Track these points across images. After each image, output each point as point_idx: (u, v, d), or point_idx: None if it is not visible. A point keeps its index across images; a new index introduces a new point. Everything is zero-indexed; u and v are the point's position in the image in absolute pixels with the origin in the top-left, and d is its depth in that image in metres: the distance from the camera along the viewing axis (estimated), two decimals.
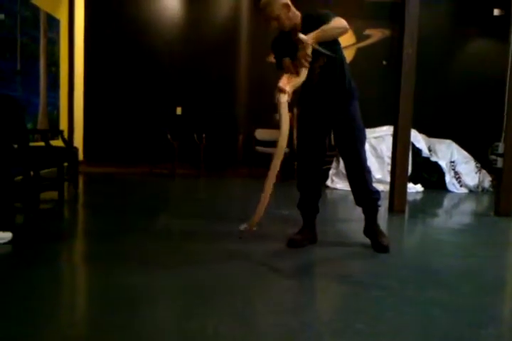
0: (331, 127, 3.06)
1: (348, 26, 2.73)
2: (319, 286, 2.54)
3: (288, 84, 2.69)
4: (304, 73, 2.72)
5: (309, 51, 2.66)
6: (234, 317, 1.91)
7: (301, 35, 2.64)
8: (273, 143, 7.29)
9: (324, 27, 2.69)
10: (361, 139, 3.01)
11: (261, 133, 7.16)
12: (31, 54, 5.64)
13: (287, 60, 2.79)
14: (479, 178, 6.37)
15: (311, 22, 2.78)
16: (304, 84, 2.88)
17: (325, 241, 3.19)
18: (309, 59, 2.68)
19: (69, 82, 6.89)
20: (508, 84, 4.51)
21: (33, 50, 5.70)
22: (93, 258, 2.79)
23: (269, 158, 2.81)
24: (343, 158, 3.13)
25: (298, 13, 2.85)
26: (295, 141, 5.55)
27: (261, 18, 2.89)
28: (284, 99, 2.65)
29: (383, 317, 1.98)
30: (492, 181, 6.33)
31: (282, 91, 2.67)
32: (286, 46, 2.85)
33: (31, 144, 4.56)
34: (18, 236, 2.97)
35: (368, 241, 3.12)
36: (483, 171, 6.43)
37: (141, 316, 1.91)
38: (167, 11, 7.48)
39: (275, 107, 2.68)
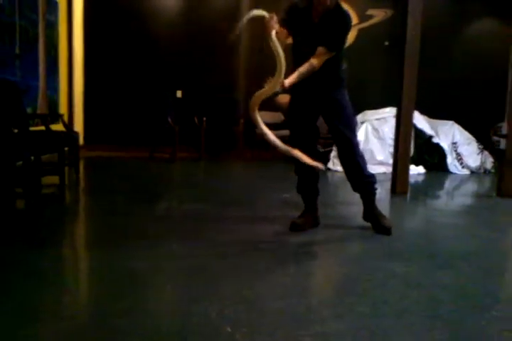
0: (320, 112, 3.07)
1: (320, 65, 2.78)
2: (322, 269, 2.55)
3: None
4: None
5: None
6: (238, 301, 1.91)
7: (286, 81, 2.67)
8: (274, 126, 7.26)
9: (302, 70, 2.76)
10: (351, 125, 3.03)
11: (262, 116, 7.09)
12: (30, 37, 5.58)
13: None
14: (481, 159, 6.35)
15: (332, 19, 2.80)
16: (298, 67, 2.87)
17: (327, 224, 3.18)
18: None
19: (68, 65, 6.82)
20: (511, 64, 4.46)
21: (32, 34, 5.63)
22: (95, 243, 2.79)
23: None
24: (336, 145, 3.13)
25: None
26: None
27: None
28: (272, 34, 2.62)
29: (387, 299, 1.98)
30: (494, 162, 6.31)
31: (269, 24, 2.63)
32: (297, 20, 2.84)
33: (31, 129, 4.54)
34: (20, 221, 2.97)
35: (370, 224, 3.12)
36: (485, 152, 6.41)
37: (145, 300, 1.92)
38: None
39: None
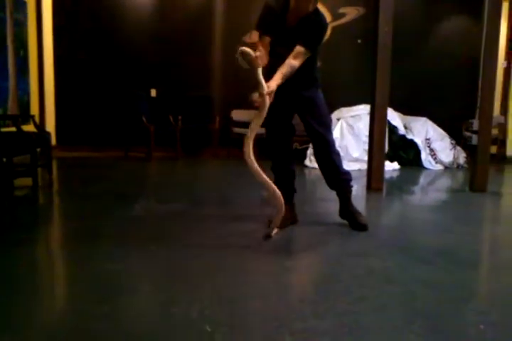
0: (295, 111, 3.08)
1: (299, 64, 2.77)
2: (301, 267, 2.54)
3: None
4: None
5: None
6: (219, 301, 1.91)
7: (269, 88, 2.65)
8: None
9: (284, 71, 2.72)
10: (325, 123, 3.05)
11: (237, 114, 7.11)
12: None
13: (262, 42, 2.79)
14: (454, 155, 6.46)
15: (310, 22, 2.81)
16: (272, 67, 2.86)
17: (305, 221, 3.19)
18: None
19: (38, 65, 6.70)
20: (482, 61, 4.54)
21: (0, 33, 5.51)
22: (70, 245, 2.74)
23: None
24: (311, 143, 3.16)
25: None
26: None
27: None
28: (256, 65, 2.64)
29: (366, 296, 1.99)
30: (466, 157, 6.42)
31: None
32: (275, 21, 2.83)
33: (2, 130, 4.46)
34: None
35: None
36: (458, 148, 6.52)
37: (124, 302, 1.89)
38: None
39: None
